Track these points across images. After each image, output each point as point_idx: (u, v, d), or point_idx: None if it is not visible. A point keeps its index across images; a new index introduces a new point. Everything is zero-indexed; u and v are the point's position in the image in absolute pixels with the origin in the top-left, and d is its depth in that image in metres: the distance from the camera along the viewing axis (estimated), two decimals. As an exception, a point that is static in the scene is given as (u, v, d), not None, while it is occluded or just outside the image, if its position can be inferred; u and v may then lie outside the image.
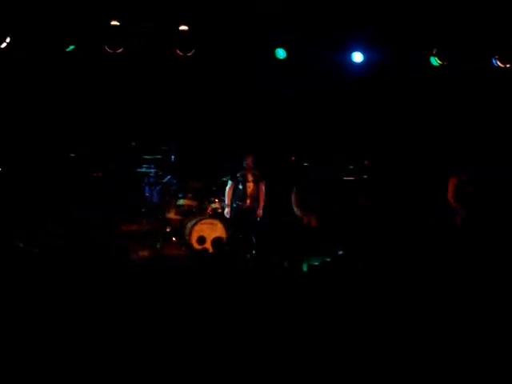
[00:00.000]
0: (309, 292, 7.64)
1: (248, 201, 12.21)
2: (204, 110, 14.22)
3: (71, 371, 5.45)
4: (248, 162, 12.18)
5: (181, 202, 12.93)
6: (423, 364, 5.64)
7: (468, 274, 8.33)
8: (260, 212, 12.26)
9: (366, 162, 13.85)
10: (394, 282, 7.93)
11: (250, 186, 12.22)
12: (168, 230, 12.87)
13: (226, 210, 12.28)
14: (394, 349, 5.91)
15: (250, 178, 12.23)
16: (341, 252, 11.33)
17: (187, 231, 12.31)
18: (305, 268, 10.01)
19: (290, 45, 12.79)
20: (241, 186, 12.21)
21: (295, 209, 11.97)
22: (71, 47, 12.08)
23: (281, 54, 12.80)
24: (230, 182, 12.26)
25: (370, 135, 14.26)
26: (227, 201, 12.27)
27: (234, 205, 12.25)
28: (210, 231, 12.17)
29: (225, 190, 12.34)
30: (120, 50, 12.17)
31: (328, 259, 10.98)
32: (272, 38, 12.69)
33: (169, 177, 13.36)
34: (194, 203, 12.93)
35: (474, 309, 6.78)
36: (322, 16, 12.30)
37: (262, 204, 12.28)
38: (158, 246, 12.36)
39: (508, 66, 12.59)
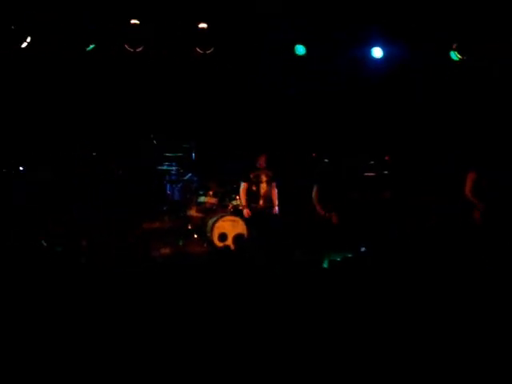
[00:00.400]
0: (328, 289, 7.65)
1: (261, 201, 12.26)
2: (224, 107, 14.24)
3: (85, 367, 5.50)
4: (261, 162, 12.22)
5: (202, 199, 12.96)
6: (427, 362, 5.65)
7: (487, 271, 8.32)
8: (276, 209, 12.29)
9: (386, 158, 13.81)
10: (414, 279, 7.91)
11: (264, 186, 12.26)
12: (189, 227, 12.91)
13: (245, 211, 12.31)
14: (404, 348, 5.92)
15: (264, 178, 12.26)
16: (363, 248, 11.34)
17: (208, 228, 12.34)
18: (325, 264, 10.02)
19: (309, 41, 12.80)
20: (254, 187, 12.25)
21: (316, 205, 11.98)
22: (91, 46, 12.14)
23: (300, 50, 12.80)
24: (242, 183, 12.30)
25: (391, 131, 14.22)
26: (243, 202, 12.31)
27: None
28: (231, 228, 12.19)
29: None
30: (140, 49, 12.22)
31: (349, 255, 11.00)
32: (291, 35, 12.70)
33: (190, 174, 13.41)
34: (214, 200, 12.95)
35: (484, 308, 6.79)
36: (341, 11, 12.29)
37: (276, 202, 12.32)
38: (180, 243, 12.40)
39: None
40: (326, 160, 14.16)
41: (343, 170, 13.02)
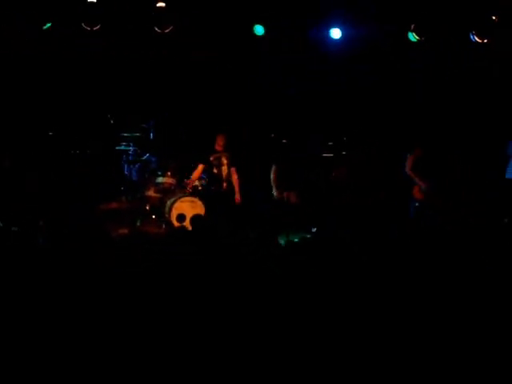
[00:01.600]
0: (285, 270, 7.65)
1: (224, 184, 12.27)
2: (182, 85, 14.16)
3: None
4: (220, 143, 12.22)
5: (160, 179, 12.89)
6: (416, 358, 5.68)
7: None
8: (238, 197, 12.28)
9: (344, 139, 13.86)
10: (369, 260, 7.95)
11: (225, 169, 12.27)
12: (147, 207, 12.86)
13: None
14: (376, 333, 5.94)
15: (224, 161, 12.27)
16: (314, 229, 11.41)
17: (167, 209, 12.32)
18: (282, 243, 10.04)
19: (267, 21, 12.77)
20: (216, 170, 12.25)
21: (273, 186, 12.00)
22: (48, 25, 12.00)
23: (259, 30, 12.76)
24: (199, 166, 12.34)
25: (348, 112, 14.25)
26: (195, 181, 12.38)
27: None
28: (189, 209, 12.17)
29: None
30: (97, 28, 12.11)
31: (307, 236, 11.05)
32: (250, 14, 12.65)
33: (148, 154, 13.33)
34: (173, 181, 12.89)
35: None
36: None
37: (238, 188, 12.31)
38: (138, 223, 12.35)
39: (486, 41, 12.58)
40: (285, 140, 14.17)
41: (301, 150, 13.03)
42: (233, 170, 12.31)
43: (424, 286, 7.04)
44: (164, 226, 12.39)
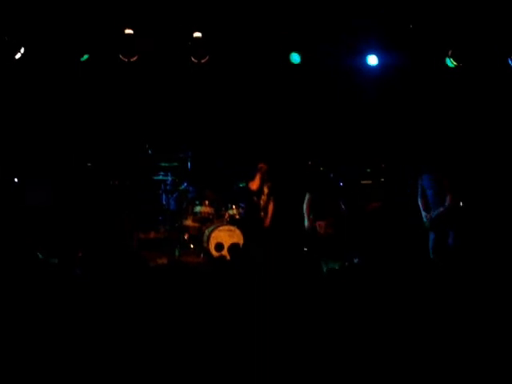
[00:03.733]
0: (326, 296, 7.61)
1: (262, 213, 12.17)
2: (219, 116, 14.21)
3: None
4: (262, 172, 12.14)
5: (198, 208, 12.91)
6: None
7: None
8: (268, 222, 12.20)
9: (382, 166, 13.77)
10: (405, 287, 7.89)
11: (265, 199, 12.18)
12: (186, 237, 12.87)
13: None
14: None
15: (266, 190, 12.18)
16: (357, 259, 11.31)
17: (205, 238, 12.32)
18: (324, 270, 9.98)
19: (304, 49, 12.80)
20: (255, 198, 12.19)
21: (305, 215, 11.91)
22: (85, 56, 12.12)
23: (295, 58, 12.79)
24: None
25: (388, 138, 14.19)
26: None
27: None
28: (227, 238, 12.15)
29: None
30: (134, 59, 12.20)
31: (346, 265, 10.96)
32: (285, 43, 12.68)
33: (185, 184, 13.35)
34: (211, 210, 12.89)
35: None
36: (335, 19, 12.29)
37: (270, 215, 12.23)
38: (177, 253, 12.35)
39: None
40: (322, 168, 14.11)
41: (338, 177, 12.97)
42: (272, 199, 12.23)
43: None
44: (202, 256, 12.37)
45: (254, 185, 12.19)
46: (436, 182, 11.13)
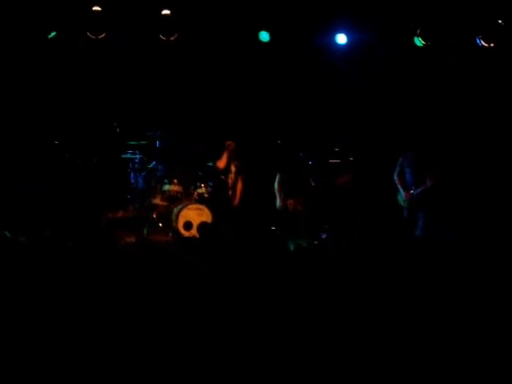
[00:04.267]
0: (294, 273, 7.65)
1: (230, 192, 12.21)
2: (188, 94, 14.15)
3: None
4: (229, 150, 12.17)
5: (166, 187, 12.85)
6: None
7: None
8: (236, 202, 12.23)
9: (350, 145, 13.80)
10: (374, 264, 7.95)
11: (232, 177, 12.21)
12: (154, 215, 12.82)
13: None
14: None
15: (233, 169, 12.21)
16: (324, 235, 11.38)
17: (174, 217, 12.29)
18: (291, 248, 10.03)
19: (273, 28, 12.77)
20: (223, 177, 12.21)
21: (276, 195, 11.95)
22: (53, 34, 12.02)
23: (265, 36, 12.76)
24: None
25: (355, 118, 14.21)
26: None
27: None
28: (196, 217, 12.13)
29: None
30: (102, 36, 12.11)
31: (315, 242, 11.02)
32: (255, 22, 12.65)
33: (154, 162, 13.29)
34: (179, 189, 12.85)
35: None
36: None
37: (239, 195, 12.26)
38: (145, 232, 12.32)
39: (492, 45, 12.59)
40: (292, 147, 14.11)
41: (307, 156, 12.97)
42: (240, 178, 12.25)
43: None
44: (171, 234, 12.35)
45: (221, 163, 12.22)
46: (417, 161, 11.25)
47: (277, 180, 11.94)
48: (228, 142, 12.19)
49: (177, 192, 12.85)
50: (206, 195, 12.71)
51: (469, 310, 6.72)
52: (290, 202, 11.90)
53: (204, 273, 7.47)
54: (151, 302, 6.54)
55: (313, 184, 12.25)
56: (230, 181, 12.25)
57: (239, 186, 12.27)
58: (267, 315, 6.18)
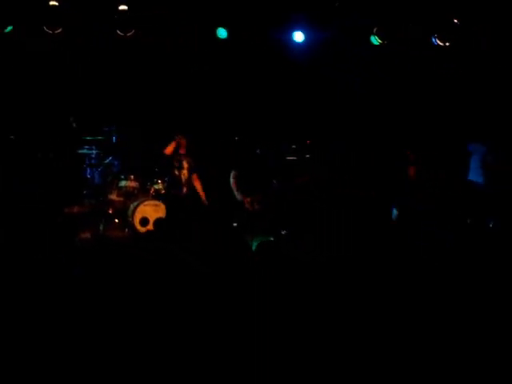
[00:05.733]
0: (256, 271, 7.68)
1: (185, 188, 12.24)
2: (143, 90, 14.12)
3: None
4: (182, 146, 12.23)
5: (123, 183, 12.79)
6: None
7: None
8: (204, 200, 12.30)
9: (308, 142, 13.86)
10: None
11: (185, 173, 12.24)
12: (110, 211, 12.77)
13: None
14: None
15: (185, 165, 12.25)
16: (284, 232, 11.42)
17: (130, 212, 12.25)
18: (253, 247, 10.06)
19: (231, 24, 12.79)
20: (176, 172, 12.23)
21: (234, 191, 11.99)
22: (9, 28, 11.93)
23: (222, 33, 12.77)
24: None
25: (313, 115, 14.29)
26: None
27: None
28: (153, 212, 12.11)
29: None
30: (59, 31, 12.05)
31: (272, 239, 11.06)
32: (212, 18, 12.66)
33: (110, 158, 13.25)
34: (136, 184, 12.81)
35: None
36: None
37: (202, 193, 12.32)
38: (101, 227, 12.27)
39: (447, 44, 12.74)
40: (248, 144, 14.14)
41: (264, 154, 13.01)
42: (194, 176, 12.29)
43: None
44: (127, 230, 12.32)
45: (167, 150, 12.28)
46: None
47: (231, 176, 11.98)
48: (179, 136, 12.24)
49: (133, 188, 12.80)
50: (162, 191, 12.69)
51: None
52: (247, 200, 11.95)
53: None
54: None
55: (274, 182, 12.31)
56: (183, 177, 12.28)
57: (197, 184, 12.31)
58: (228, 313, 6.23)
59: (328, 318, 6.41)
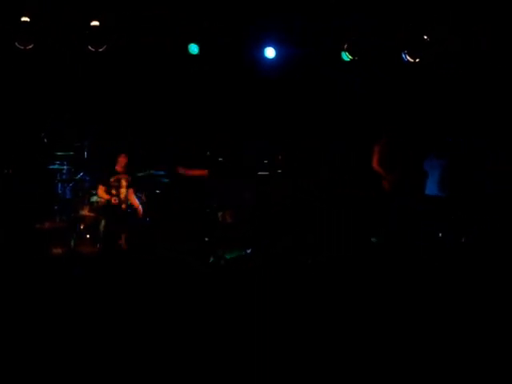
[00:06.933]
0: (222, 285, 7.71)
1: (123, 206, 12.25)
2: (115, 105, 14.13)
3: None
4: (121, 164, 12.26)
5: (94, 198, 12.79)
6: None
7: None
8: (140, 210, 12.33)
9: (279, 157, 13.90)
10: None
11: (123, 191, 12.26)
12: (82, 227, 12.72)
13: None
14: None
15: (124, 183, 12.27)
16: (249, 250, 11.47)
17: (101, 228, 12.23)
18: (222, 262, 10.08)
19: (203, 40, 12.84)
20: (114, 191, 12.23)
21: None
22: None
23: (194, 49, 12.81)
24: (99, 186, 12.29)
25: (285, 130, 14.34)
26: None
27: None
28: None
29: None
30: (30, 47, 12.05)
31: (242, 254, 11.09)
32: (184, 33, 12.71)
33: (81, 173, 13.21)
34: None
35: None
36: (234, 11, 12.39)
37: (138, 205, 12.33)
38: (72, 243, 12.23)
39: (417, 60, 12.84)
40: (220, 159, 14.16)
41: (238, 168, 13.05)
42: (130, 191, 12.34)
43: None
44: (98, 245, 12.29)
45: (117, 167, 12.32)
46: None
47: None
48: (120, 154, 12.30)
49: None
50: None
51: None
52: (221, 214, 11.98)
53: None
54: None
55: (248, 196, 12.35)
56: (121, 195, 12.30)
57: (132, 197, 12.34)
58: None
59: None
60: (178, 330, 6.16)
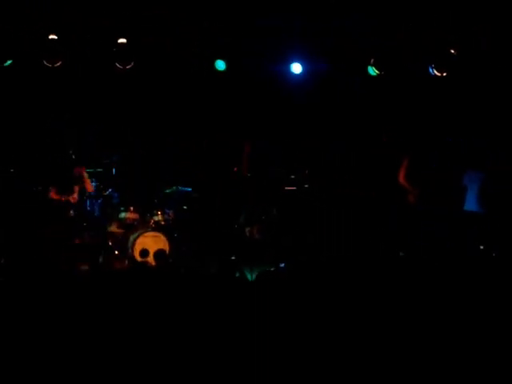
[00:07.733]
0: (255, 301, 7.67)
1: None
2: (144, 122, 14.20)
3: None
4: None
5: (122, 215, 12.84)
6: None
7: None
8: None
9: (306, 172, 13.89)
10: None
11: (75, 197, 12.45)
12: (110, 243, 12.78)
13: None
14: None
15: (76, 189, 12.56)
16: (283, 264, 11.40)
17: (130, 244, 12.26)
18: (250, 278, 10.04)
19: (229, 56, 12.87)
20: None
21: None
22: (9, 62, 12.00)
23: (220, 65, 12.84)
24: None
25: (311, 145, 14.33)
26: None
27: None
28: (152, 244, 12.12)
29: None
30: (58, 64, 12.13)
31: (272, 269, 11.04)
32: (211, 50, 12.74)
33: (110, 190, 13.28)
34: (135, 216, 12.84)
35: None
36: (261, 27, 12.40)
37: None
38: (101, 259, 12.27)
39: (444, 74, 12.80)
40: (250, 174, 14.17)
41: (265, 183, 13.05)
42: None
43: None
44: (127, 262, 12.32)
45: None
46: None
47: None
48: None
49: (133, 219, 12.85)
50: (162, 222, 12.73)
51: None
52: (249, 229, 11.98)
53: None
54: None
55: (275, 212, 12.35)
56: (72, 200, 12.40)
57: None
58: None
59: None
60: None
